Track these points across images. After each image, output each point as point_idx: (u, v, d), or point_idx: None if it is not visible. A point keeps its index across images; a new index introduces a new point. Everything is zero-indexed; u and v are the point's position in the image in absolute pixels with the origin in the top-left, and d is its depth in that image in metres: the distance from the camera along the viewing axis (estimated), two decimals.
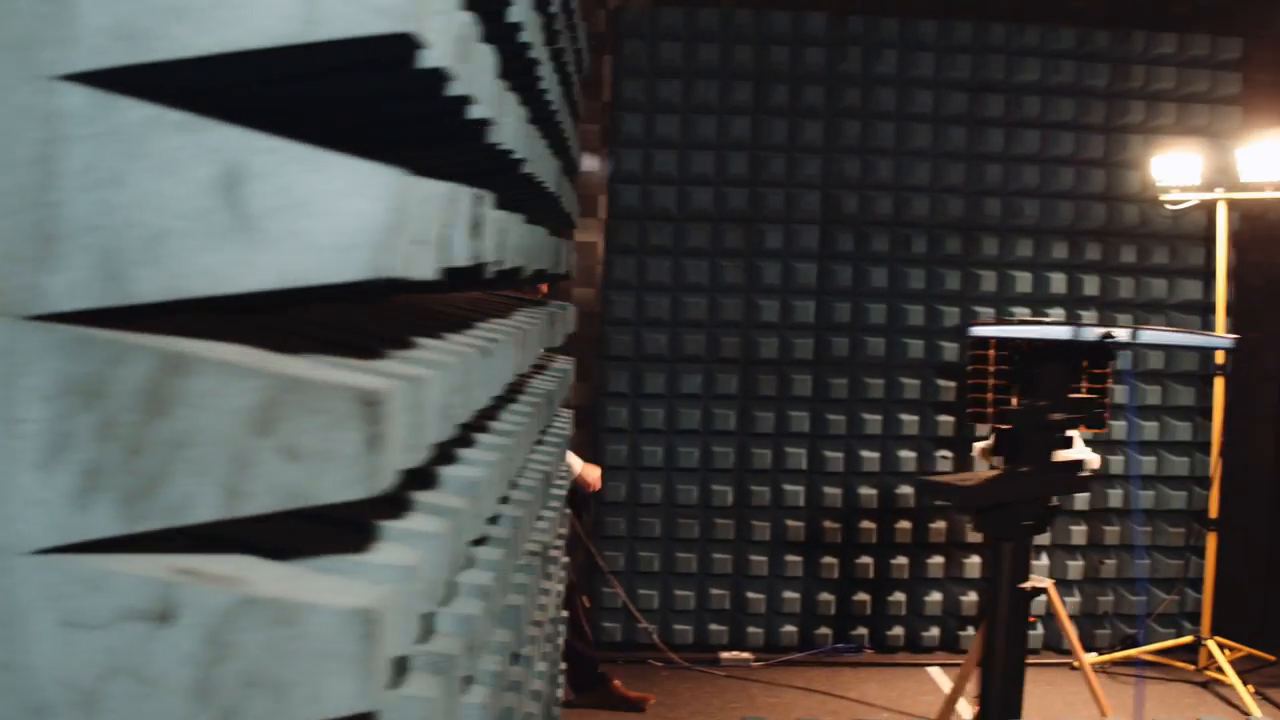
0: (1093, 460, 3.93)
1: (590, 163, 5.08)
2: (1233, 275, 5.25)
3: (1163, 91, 5.07)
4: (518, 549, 1.97)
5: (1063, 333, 2.17)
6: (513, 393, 1.91)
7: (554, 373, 2.80)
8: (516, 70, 2.04)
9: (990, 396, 4.01)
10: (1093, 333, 1.85)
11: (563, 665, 4.59)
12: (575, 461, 4.08)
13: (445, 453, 1.23)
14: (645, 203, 4.89)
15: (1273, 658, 5.08)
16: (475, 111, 0.84)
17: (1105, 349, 1.92)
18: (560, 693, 3.41)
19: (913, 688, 4.67)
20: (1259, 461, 5.45)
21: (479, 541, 1.76)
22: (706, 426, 4.94)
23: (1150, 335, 1.93)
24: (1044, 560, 5.11)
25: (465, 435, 1.30)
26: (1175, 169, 4.73)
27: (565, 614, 3.77)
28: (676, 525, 4.96)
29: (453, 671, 0.82)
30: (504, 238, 1.65)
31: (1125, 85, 5.05)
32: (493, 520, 1.90)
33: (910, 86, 4.96)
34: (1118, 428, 5.08)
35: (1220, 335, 1.86)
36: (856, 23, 4.93)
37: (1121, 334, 1.85)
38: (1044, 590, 3.97)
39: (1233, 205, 4.92)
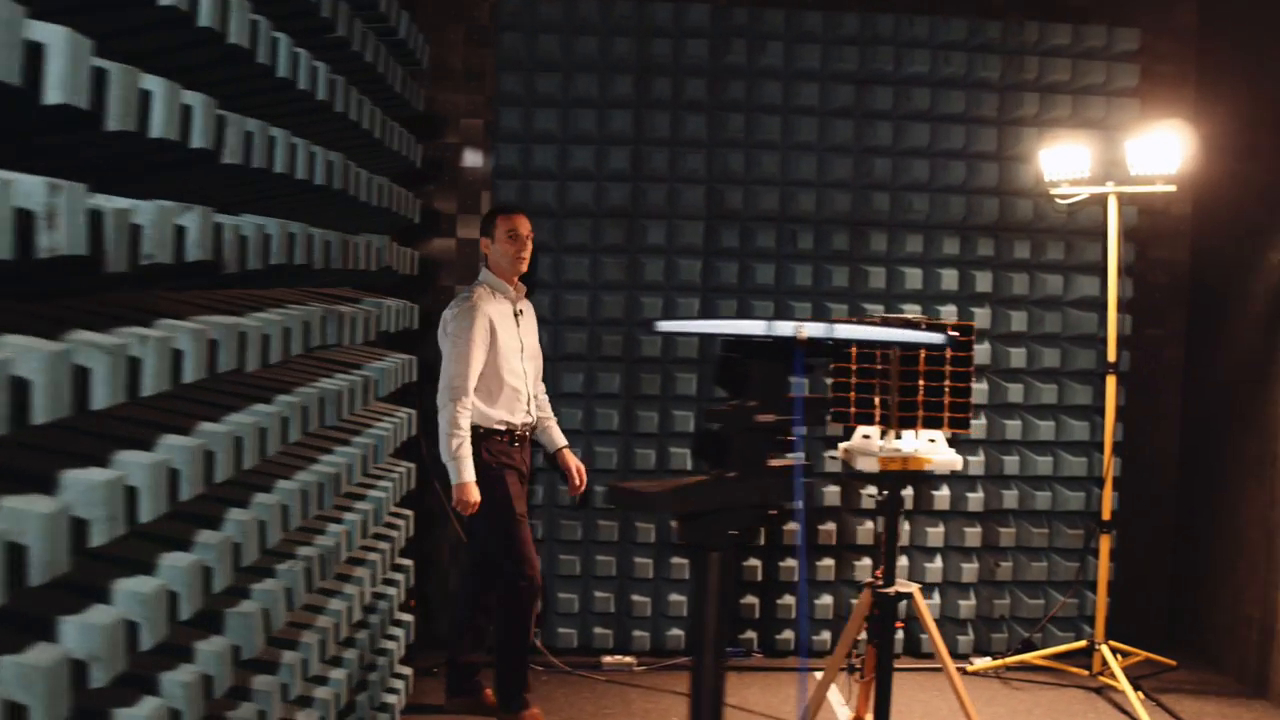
0: (954, 461, 3.82)
1: (474, 158, 5.00)
2: (1132, 271, 5.14)
3: (1058, 84, 4.96)
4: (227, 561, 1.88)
5: (749, 328, 2.07)
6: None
7: (346, 382, 2.71)
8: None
9: (853, 395, 3.92)
10: (784, 328, 1.75)
11: (437, 669, 4.51)
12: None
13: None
14: (525, 198, 4.80)
15: (1173, 662, 4.97)
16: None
17: (816, 346, 1.82)
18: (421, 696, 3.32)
19: (795, 693, 4.56)
20: (1163, 461, 5.33)
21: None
22: (589, 426, 4.85)
23: (847, 331, 1.83)
24: (938, 563, 5.00)
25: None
26: (1064, 162, 4.62)
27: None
28: (559, 527, 4.87)
29: None
30: (122, 231, 1.55)
31: (1019, 77, 4.94)
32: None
33: (796, 79, 4.86)
34: (1012, 428, 4.97)
35: (933, 332, 1.75)
36: (740, 14, 4.84)
37: (815, 329, 1.75)
38: (909, 595, 3.88)
39: (1126, 199, 4.81)
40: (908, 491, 4.95)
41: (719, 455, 1.90)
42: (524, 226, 4.08)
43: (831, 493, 4.92)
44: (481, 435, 4.01)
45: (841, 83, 4.87)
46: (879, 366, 3.82)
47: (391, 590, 3.45)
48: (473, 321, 3.94)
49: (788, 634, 4.97)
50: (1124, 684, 4.49)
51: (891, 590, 3.82)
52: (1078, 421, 4.98)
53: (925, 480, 4.97)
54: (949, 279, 4.91)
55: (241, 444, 1.99)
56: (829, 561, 4.97)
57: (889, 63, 4.87)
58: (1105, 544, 4.76)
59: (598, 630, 4.91)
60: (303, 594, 2.36)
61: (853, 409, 3.89)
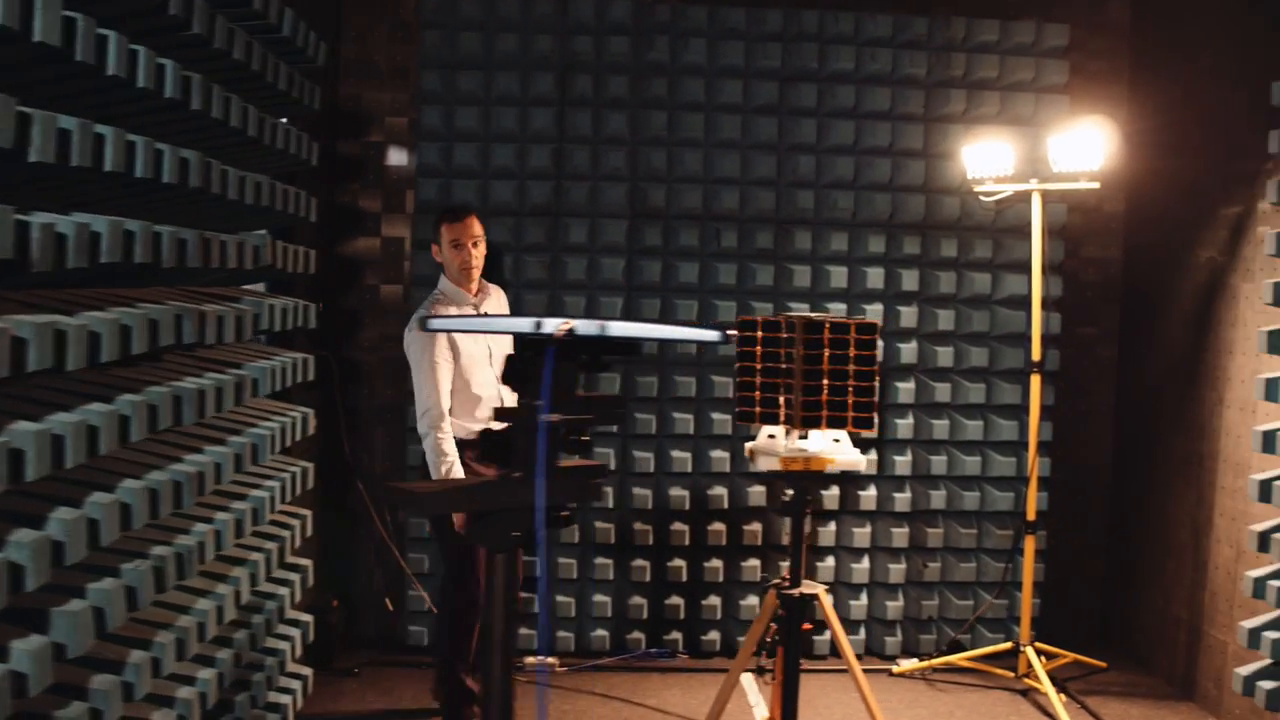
0: (857, 462, 3.78)
1: (398, 156, 4.97)
2: (1063, 269, 5.11)
3: (985, 80, 4.92)
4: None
5: (514, 326, 2.04)
6: None
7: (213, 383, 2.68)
8: None
9: (758, 395, 3.88)
10: (552, 325, 1.72)
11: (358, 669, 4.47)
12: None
13: None
14: (446, 197, 4.77)
15: (1104, 664, 4.93)
16: None
17: (595, 344, 1.79)
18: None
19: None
20: (1096, 460, 5.29)
21: None
22: None
23: (622, 328, 1.79)
24: (865, 563, 4.96)
25: None
26: (988, 159, 4.58)
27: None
28: None
29: None
30: None
31: (946, 74, 4.90)
32: None
33: (719, 76, 4.83)
34: (940, 427, 4.93)
35: (709, 329, 1.71)
36: (663, 11, 4.80)
37: (587, 327, 1.72)
38: (814, 596, 3.85)
39: (1053, 196, 4.77)
40: (833, 492, 4.92)
41: (505, 455, 1.88)
42: (468, 232, 3.92)
43: (756, 493, 4.88)
44: (462, 447, 3.89)
45: (765, 80, 4.83)
46: (784, 365, 3.78)
47: (283, 590, 3.41)
48: (429, 343, 3.84)
49: (713, 634, 4.93)
50: (1047, 686, 4.45)
51: (796, 592, 3.78)
52: (1006, 421, 4.94)
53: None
54: (874, 277, 4.87)
55: (63, 443, 1.98)
56: (754, 562, 4.93)
57: (813, 59, 4.83)
58: (1030, 545, 4.72)
59: (523, 631, 4.87)
60: (151, 593, 2.34)
61: (758, 408, 3.85)
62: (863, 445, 4.92)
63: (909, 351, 4.90)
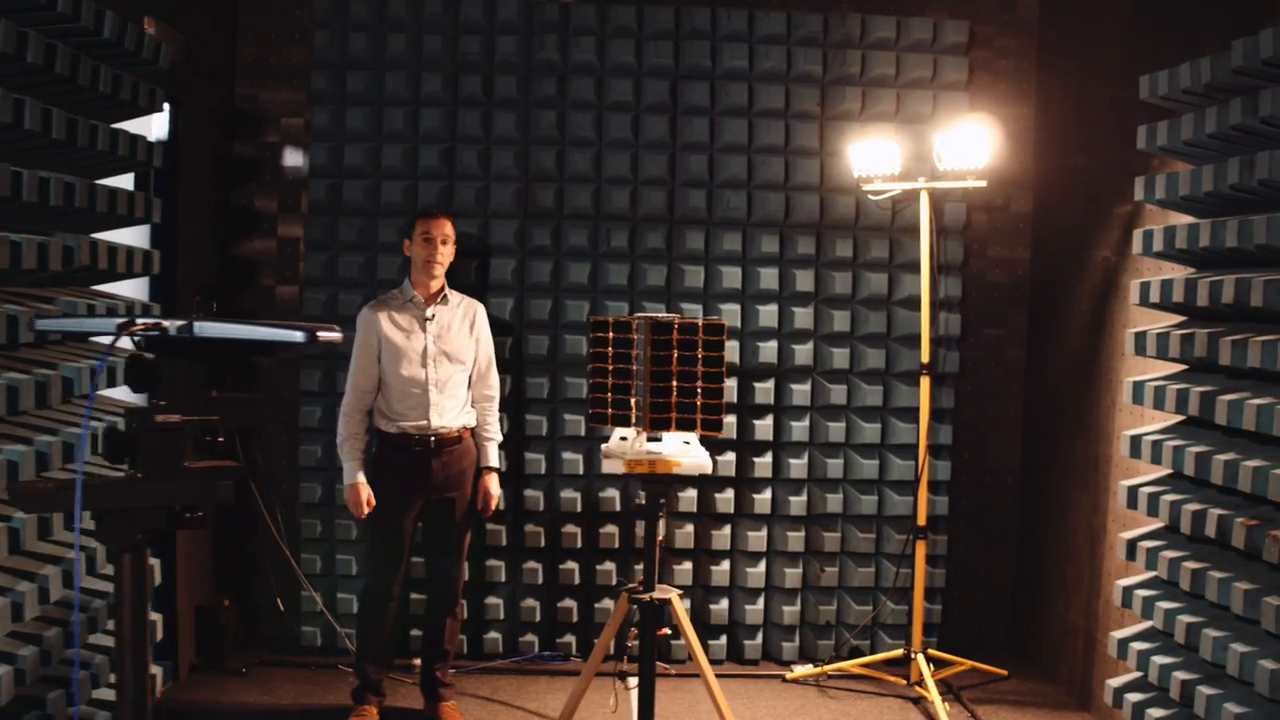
0: (704, 465, 3.73)
1: (294, 156, 4.98)
2: (966, 269, 5.03)
3: (883, 78, 4.84)
4: None
5: (97, 326, 2.02)
6: None
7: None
8: None
9: (610, 397, 3.85)
10: (141, 323, 1.71)
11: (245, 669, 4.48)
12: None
13: None
14: (337, 197, 4.77)
15: (1004, 672, 4.84)
16: None
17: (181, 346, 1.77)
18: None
19: (600, 699, 4.48)
20: (1004, 464, 5.19)
21: None
22: None
23: (207, 328, 1.77)
24: (761, 567, 4.90)
25: None
26: (875, 158, 4.51)
27: None
28: None
29: None
30: None
31: (843, 71, 4.83)
32: None
33: (610, 75, 4.79)
34: (836, 430, 4.86)
35: (295, 330, 1.68)
36: (552, 10, 4.77)
37: (170, 325, 1.71)
38: (667, 601, 3.81)
39: (938, 195, 4.70)
40: (726, 495, 4.86)
41: (128, 455, 1.87)
42: (438, 229, 4.04)
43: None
44: (381, 439, 4.08)
45: (657, 78, 4.79)
46: (634, 367, 3.75)
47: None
48: (362, 328, 4.05)
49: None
50: (933, 694, 4.38)
51: (649, 596, 3.74)
52: (905, 424, 4.86)
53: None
54: (768, 278, 4.81)
55: None
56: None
57: (705, 57, 4.78)
58: (922, 550, 4.64)
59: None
60: None
61: (610, 410, 3.82)
62: (757, 448, 4.87)
63: (804, 353, 4.83)
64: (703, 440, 3.88)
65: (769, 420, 4.85)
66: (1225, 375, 3.35)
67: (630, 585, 3.82)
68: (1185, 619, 3.28)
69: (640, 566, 4.86)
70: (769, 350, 4.81)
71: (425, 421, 3.99)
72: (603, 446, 3.87)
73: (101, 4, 3.15)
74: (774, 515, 4.90)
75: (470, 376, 4.16)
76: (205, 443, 1.88)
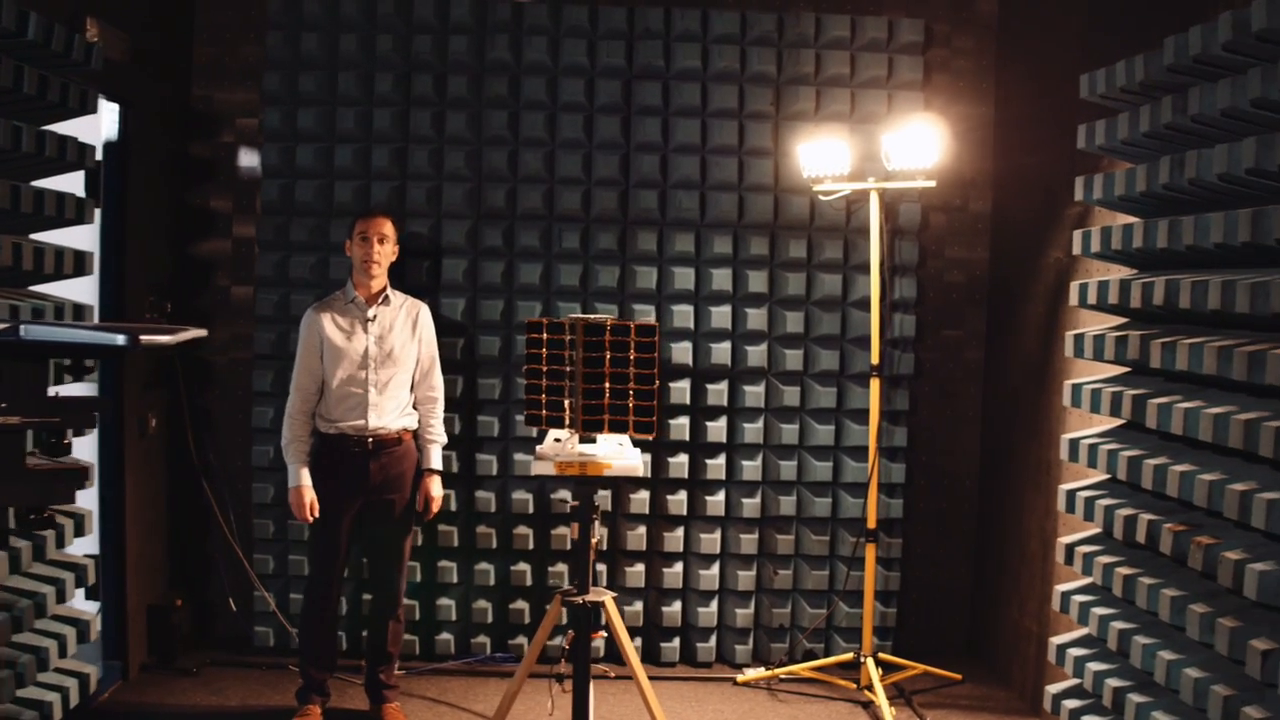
0: (635, 467, 3.71)
1: (249, 157, 4.97)
2: (928, 270, 5.00)
3: (838, 77, 4.81)
4: None
5: None
6: None
7: None
8: None
9: (544, 399, 3.83)
10: None
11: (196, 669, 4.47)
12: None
13: None
14: (289, 197, 4.77)
15: (959, 676, 4.80)
16: None
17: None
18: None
19: (539, 702, 4.45)
20: (964, 466, 5.15)
21: None
22: None
23: (34, 330, 1.75)
24: (714, 570, 4.87)
25: None
26: (824, 158, 4.48)
27: None
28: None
29: None
30: None
31: (798, 71, 4.80)
32: None
33: (562, 75, 4.77)
34: (789, 432, 4.83)
35: (119, 334, 1.66)
36: (504, 9, 4.75)
37: None
38: (601, 603, 3.79)
39: (889, 195, 4.67)
40: (679, 497, 4.84)
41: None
42: (375, 229, 4.04)
43: (602, 496, 4.81)
44: (320, 440, 4.09)
45: (609, 78, 4.77)
46: (568, 369, 3.73)
47: (46, 588, 3.40)
48: (305, 329, 4.06)
49: (556, 639, 4.86)
50: (880, 698, 4.35)
51: (581, 599, 3.72)
52: (859, 426, 4.83)
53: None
54: (721, 279, 4.79)
55: None
56: (600, 567, 4.86)
57: (659, 57, 4.76)
58: (871, 553, 4.61)
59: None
60: None
61: (544, 412, 3.80)
62: (710, 450, 4.84)
63: (758, 355, 4.81)
64: (636, 442, 3.85)
65: (722, 422, 4.82)
66: (1164, 378, 3.32)
67: (564, 588, 3.80)
68: (1118, 625, 3.25)
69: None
70: (722, 351, 4.79)
71: (363, 422, 3.98)
72: (537, 448, 3.86)
73: (39, 6, 3.14)
74: (728, 517, 4.88)
75: (413, 378, 4.14)
76: (50, 444, 1.86)
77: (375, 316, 4.05)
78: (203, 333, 1.86)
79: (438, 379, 4.20)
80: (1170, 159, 3.06)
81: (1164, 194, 3.16)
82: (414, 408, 4.15)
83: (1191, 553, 2.86)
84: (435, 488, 4.16)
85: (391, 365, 4.04)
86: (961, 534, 5.17)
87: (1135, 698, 3.14)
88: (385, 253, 4.05)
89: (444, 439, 4.23)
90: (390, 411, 4.02)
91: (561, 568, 4.85)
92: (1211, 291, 2.81)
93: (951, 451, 5.13)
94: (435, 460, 4.16)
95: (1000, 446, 4.97)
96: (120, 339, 1.70)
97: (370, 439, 3.98)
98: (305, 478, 4.03)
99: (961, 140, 4.99)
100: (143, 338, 1.73)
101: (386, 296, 4.10)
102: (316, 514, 4.04)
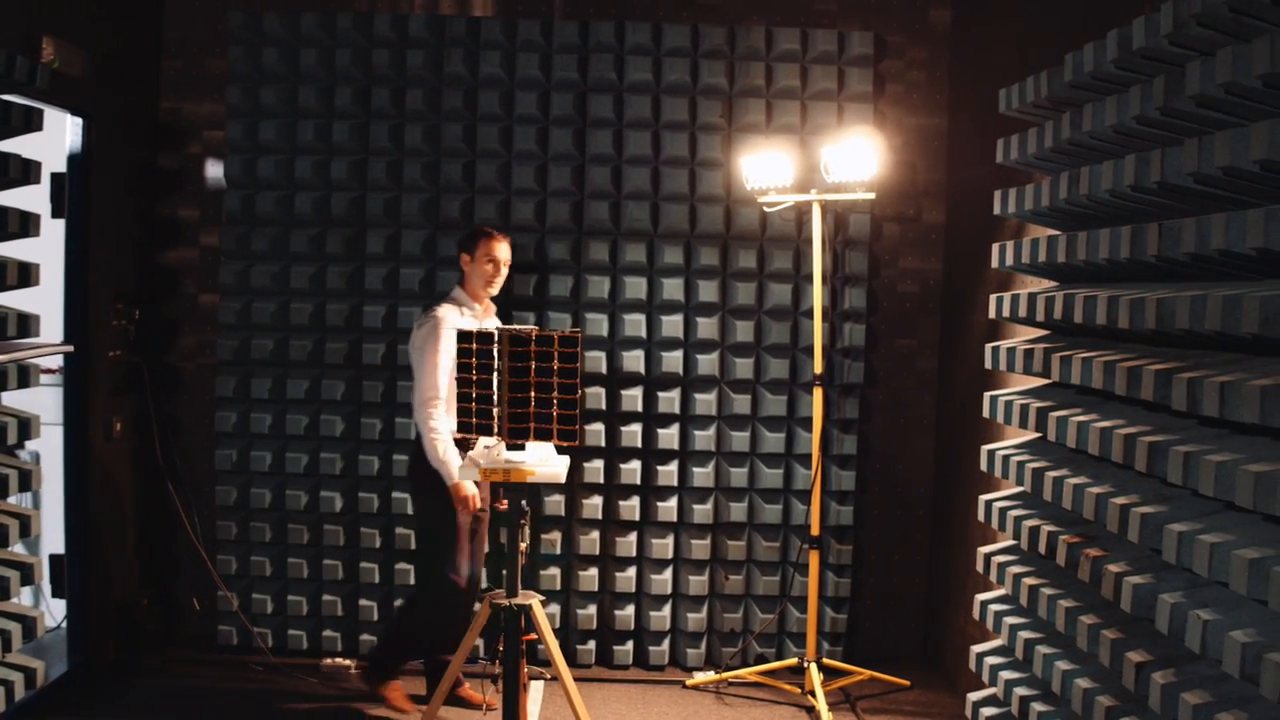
0: (558, 474, 3.78)
1: (215, 168, 5.11)
2: (881, 280, 5.04)
3: (789, 90, 4.86)
4: None
5: None
6: None
7: None
8: None
9: (474, 407, 3.91)
10: None
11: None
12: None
13: None
14: (251, 208, 4.89)
15: (907, 683, 4.84)
16: None
17: None
18: None
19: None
20: (918, 475, 5.19)
21: None
22: (315, 432, 4.91)
23: None
24: (667, 575, 4.95)
25: None
26: (767, 170, 4.54)
27: None
28: (288, 531, 4.94)
29: None
30: None
31: (748, 83, 4.86)
32: None
33: (517, 88, 4.86)
34: (740, 439, 4.89)
35: (53, 349, 1.74)
36: (458, 24, 4.85)
37: None
38: (528, 607, 3.86)
39: (831, 207, 4.71)
40: (631, 502, 4.91)
41: None
42: (504, 252, 4.24)
43: (553, 502, 4.90)
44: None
45: (563, 91, 4.85)
46: (496, 378, 3.81)
47: None
48: (437, 335, 4.10)
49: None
50: (821, 704, 4.40)
51: (508, 602, 3.81)
52: (809, 433, 4.87)
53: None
54: (672, 288, 4.86)
55: None
56: (553, 572, 4.95)
57: (611, 70, 4.84)
58: (815, 559, 4.65)
59: (326, 633, 4.97)
60: None
61: (474, 420, 3.88)
62: (662, 457, 4.91)
63: (708, 363, 4.87)
64: (563, 450, 3.92)
65: (675, 429, 4.89)
66: (1075, 391, 3.35)
67: (494, 591, 3.89)
68: (1024, 635, 3.29)
69: (555, 571, 4.93)
70: (674, 360, 4.86)
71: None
72: (468, 454, 3.94)
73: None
74: (680, 523, 4.95)
75: None
76: None
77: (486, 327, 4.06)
78: (66, 349, 1.95)
79: None
80: (1069, 174, 3.10)
81: (1073, 209, 3.20)
82: None
83: (1081, 564, 2.90)
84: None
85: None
86: (915, 541, 5.20)
87: (1038, 706, 3.18)
88: (504, 278, 4.30)
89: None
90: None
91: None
92: (1100, 306, 2.85)
93: (904, 459, 5.17)
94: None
95: (950, 455, 5.01)
96: (53, 357, 1.79)
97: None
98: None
99: (915, 151, 5.04)
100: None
101: (488, 310, 4.35)
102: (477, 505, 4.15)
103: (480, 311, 4.29)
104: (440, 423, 4.11)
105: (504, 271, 4.27)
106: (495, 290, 4.28)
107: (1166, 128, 2.68)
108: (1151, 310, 2.59)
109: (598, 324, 4.84)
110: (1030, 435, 3.66)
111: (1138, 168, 2.66)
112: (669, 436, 4.89)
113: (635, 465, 4.89)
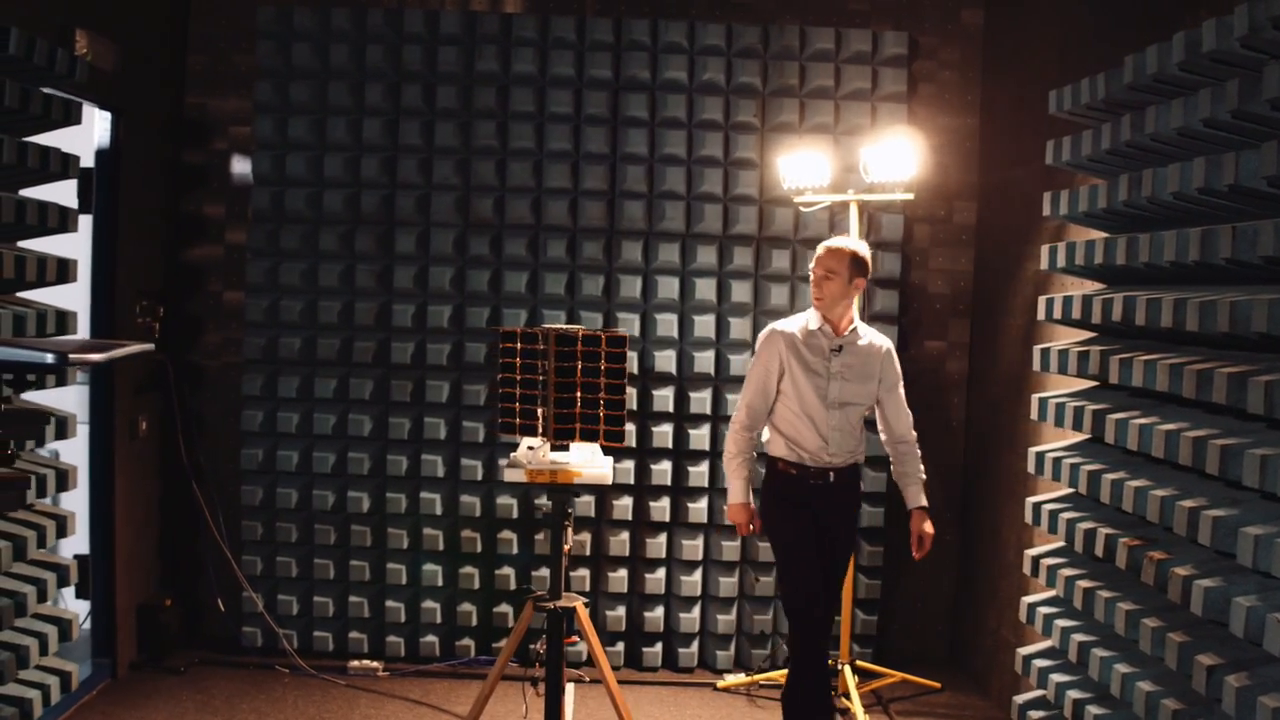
0: (604, 475, 3.75)
1: (242, 164, 5.05)
2: (911, 282, 5.03)
3: (823, 89, 4.84)
4: None
5: None
6: None
7: None
8: None
9: (518, 407, 3.88)
10: None
11: (185, 668, 4.52)
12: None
13: None
14: (280, 205, 4.84)
15: (938, 685, 4.83)
16: None
17: None
18: None
19: (517, 704, 4.50)
20: (949, 476, 5.17)
21: None
22: (343, 431, 4.87)
23: None
24: (696, 576, 4.92)
25: None
26: (805, 169, 4.52)
27: None
28: (315, 531, 4.89)
29: None
30: None
31: (782, 83, 4.84)
32: None
33: (550, 86, 4.83)
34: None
35: (47, 353, 1.71)
36: (492, 21, 4.81)
37: None
38: (572, 609, 3.83)
39: (869, 207, 4.70)
40: (662, 503, 4.89)
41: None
42: (818, 264, 3.74)
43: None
44: (770, 463, 3.86)
45: (597, 89, 4.82)
46: (541, 378, 3.78)
47: (26, 588, 3.48)
48: (762, 349, 3.81)
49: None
50: (856, 705, 4.38)
51: (553, 604, 3.77)
52: None
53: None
54: (705, 288, 4.83)
55: None
56: (582, 572, 4.91)
57: (645, 69, 4.81)
58: (850, 562, 4.62)
59: (353, 635, 4.92)
60: None
61: (518, 420, 3.86)
62: (692, 457, 4.89)
63: (741, 364, 4.84)
64: (608, 451, 3.89)
65: (705, 430, 4.87)
66: (1128, 393, 3.34)
67: (537, 593, 3.86)
68: (1079, 638, 3.28)
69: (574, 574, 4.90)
70: (706, 360, 4.83)
71: (819, 455, 3.78)
72: (511, 455, 3.91)
73: (29, 18, 3.21)
74: (710, 524, 4.92)
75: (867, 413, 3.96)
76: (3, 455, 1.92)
77: (841, 348, 3.80)
78: (147, 347, 1.92)
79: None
80: (1129, 177, 3.08)
81: (1127, 211, 3.18)
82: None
83: (1145, 567, 2.89)
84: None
85: (850, 399, 3.85)
86: (944, 544, 5.18)
87: (1094, 709, 3.16)
88: (825, 292, 3.74)
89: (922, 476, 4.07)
90: (847, 443, 3.88)
91: (543, 571, 4.90)
92: (1164, 309, 2.84)
93: (934, 461, 5.14)
94: (918, 498, 4.05)
95: (981, 457, 5.00)
96: (49, 357, 1.76)
97: (824, 467, 3.82)
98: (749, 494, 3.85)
99: (947, 152, 5.02)
100: (72, 356, 1.79)
101: (854, 331, 3.84)
102: (757, 529, 3.87)
103: (825, 326, 3.78)
104: (735, 442, 3.80)
105: (818, 281, 3.75)
106: (819, 304, 3.77)
107: (1236, 131, 2.67)
108: (1225, 313, 2.57)
109: (629, 323, 4.81)
110: (1076, 438, 3.65)
111: (1208, 171, 2.65)
112: (700, 437, 4.86)
113: (666, 466, 4.86)
